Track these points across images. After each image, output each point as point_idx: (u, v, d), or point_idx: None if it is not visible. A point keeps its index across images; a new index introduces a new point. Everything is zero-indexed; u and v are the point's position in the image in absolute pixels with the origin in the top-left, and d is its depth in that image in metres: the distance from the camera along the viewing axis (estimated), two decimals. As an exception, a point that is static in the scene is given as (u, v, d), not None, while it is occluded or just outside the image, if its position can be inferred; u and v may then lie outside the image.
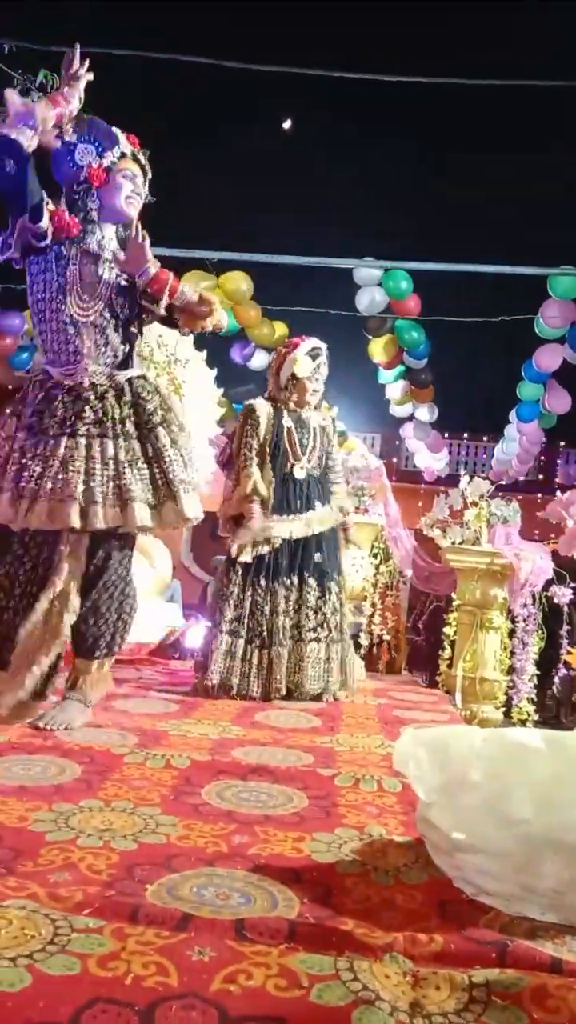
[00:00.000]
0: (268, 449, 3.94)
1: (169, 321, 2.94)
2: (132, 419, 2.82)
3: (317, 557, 3.95)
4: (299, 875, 1.67)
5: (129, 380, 2.89)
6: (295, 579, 3.90)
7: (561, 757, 1.64)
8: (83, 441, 2.74)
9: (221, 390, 6.50)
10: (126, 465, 2.75)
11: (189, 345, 6.33)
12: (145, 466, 2.79)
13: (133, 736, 2.72)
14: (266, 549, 3.86)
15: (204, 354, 6.43)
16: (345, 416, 7.99)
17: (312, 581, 3.91)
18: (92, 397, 2.80)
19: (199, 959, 1.27)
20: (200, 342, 6.47)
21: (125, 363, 2.93)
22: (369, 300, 8.36)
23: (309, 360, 4.03)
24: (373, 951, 1.35)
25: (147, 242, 2.85)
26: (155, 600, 6.01)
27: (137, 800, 2.06)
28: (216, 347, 7.01)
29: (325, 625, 3.90)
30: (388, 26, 13.03)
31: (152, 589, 6.00)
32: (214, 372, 6.47)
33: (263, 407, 4.02)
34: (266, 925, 1.39)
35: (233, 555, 3.85)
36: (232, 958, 1.28)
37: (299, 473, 3.98)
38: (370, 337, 8.98)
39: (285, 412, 4.03)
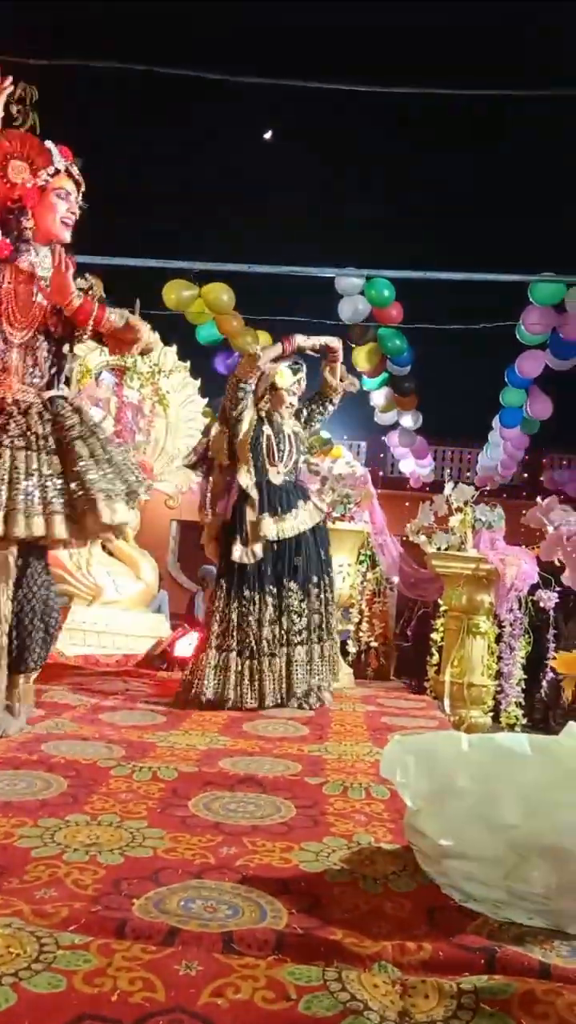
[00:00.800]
0: (247, 449, 4.02)
1: (100, 342, 3.02)
2: (53, 435, 2.86)
3: (296, 561, 3.99)
4: (287, 885, 1.66)
5: (51, 399, 2.94)
6: (277, 587, 3.93)
7: (548, 761, 1.65)
8: (7, 452, 2.76)
9: (205, 400, 6.50)
10: (49, 478, 2.78)
11: (173, 356, 6.33)
12: (61, 480, 2.80)
13: (120, 748, 2.70)
14: (259, 549, 3.88)
15: (188, 364, 6.44)
16: (330, 424, 7.99)
17: (293, 586, 3.95)
18: (16, 412, 2.85)
19: (186, 973, 1.26)
20: (183, 353, 6.48)
21: (51, 383, 2.99)
22: (352, 309, 8.38)
23: (290, 373, 4.14)
24: (362, 960, 1.34)
25: (71, 272, 2.88)
26: (141, 611, 5.99)
27: (124, 813, 2.04)
28: (199, 359, 7.03)
29: (308, 627, 3.94)
30: (365, 34, 13.12)
31: (138, 600, 5.99)
32: (198, 382, 6.47)
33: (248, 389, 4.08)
34: (254, 937, 1.38)
35: (235, 558, 3.86)
36: (219, 971, 1.27)
37: (276, 479, 4.06)
38: (353, 346, 9.01)
39: (264, 419, 4.11)
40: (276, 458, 4.08)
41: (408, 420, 10.14)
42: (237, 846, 1.87)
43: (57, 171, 2.92)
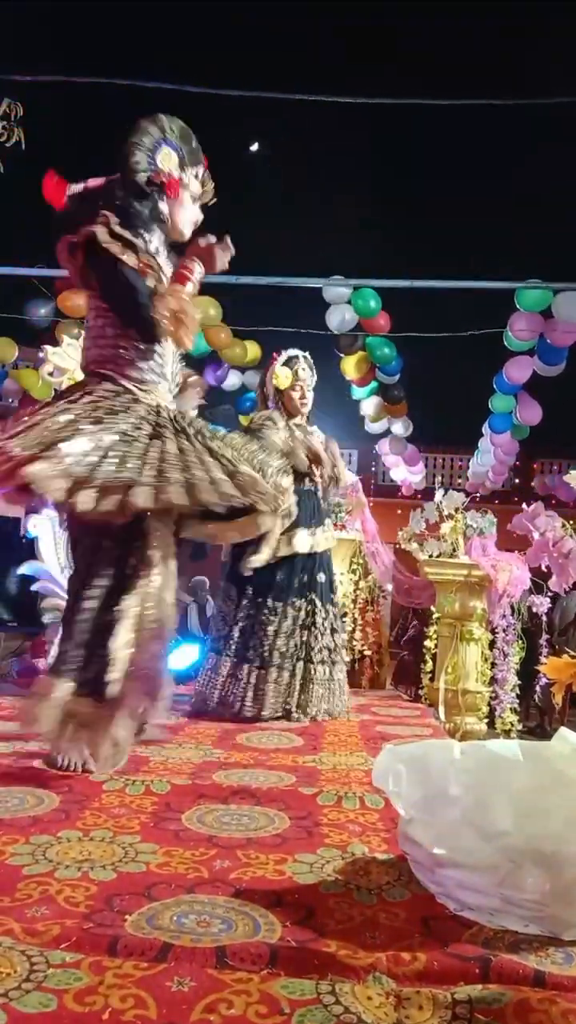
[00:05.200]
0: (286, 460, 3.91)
1: None
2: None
3: (321, 577, 3.95)
4: (281, 898, 1.65)
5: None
6: (301, 600, 3.87)
7: (539, 767, 1.65)
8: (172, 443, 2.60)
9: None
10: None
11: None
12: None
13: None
14: (284, 551, 3.80)
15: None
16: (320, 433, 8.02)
17: (318, 602, 3.91)
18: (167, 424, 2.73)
19: (179, 990, 1.25)
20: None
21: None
22: (340, 318, 8.42)
23: (287, 370, 4.03)
24: (356, 972, 1.34)
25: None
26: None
27: (116, 828, 2.03)
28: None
29: (331, 647, 3.91)
30: (351, 48, 13.22)
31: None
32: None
33: (278, 417, 4.00)
34: (247, 951, 1.37)
35: (254, 564, 3.71)
36: (212, 987, 1.26)
37: (310, 487, 4.01)
38: (342, 355, 9.04)
39: (294, 427, 4.02)
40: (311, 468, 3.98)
41: (399, 427, 10.17)
42: (231, 859, 1.86)
43: (197, 175, 2.86)
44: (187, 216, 2.87)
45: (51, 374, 4.56)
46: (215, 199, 2.93)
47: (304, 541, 3.90)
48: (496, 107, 8.59)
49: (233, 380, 9.27)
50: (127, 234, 2.61)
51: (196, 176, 2.86)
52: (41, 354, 4.69)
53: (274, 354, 4.18)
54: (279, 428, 3.96)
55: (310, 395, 4.11)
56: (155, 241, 2.77)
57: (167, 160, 2.76)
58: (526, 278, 7.96)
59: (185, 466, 2.50)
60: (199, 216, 2.91)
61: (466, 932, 1.51)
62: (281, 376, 4.02)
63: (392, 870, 1.81)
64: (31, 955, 1.33)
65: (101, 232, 2.58)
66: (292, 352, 4.11)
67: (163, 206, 2.80)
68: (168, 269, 2.79)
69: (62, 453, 2.37)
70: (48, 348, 4.63)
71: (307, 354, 4.14)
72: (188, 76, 7.41)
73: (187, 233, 2.88)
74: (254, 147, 12.43)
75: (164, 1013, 1.20)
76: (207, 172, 2.90)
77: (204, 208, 2.94)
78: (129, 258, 2.59)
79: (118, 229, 2.60)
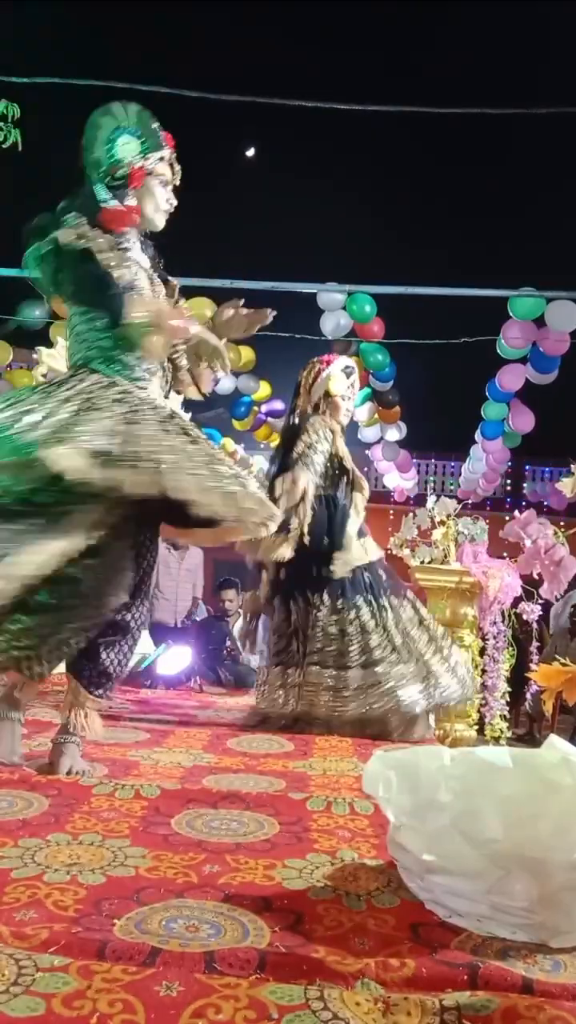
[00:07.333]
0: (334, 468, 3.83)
1: None
2: None
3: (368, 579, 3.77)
4: (270, 903, 1.65)
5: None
6: (363, 600, 3.71)
7: (528, 774, 1.65)
8: None
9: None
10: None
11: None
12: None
13: (102, 767, 2.68)
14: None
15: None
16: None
17: (364, 603, 3.72)
18: None
19: (167, 994, 1.25)
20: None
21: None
22: (334, 324, 8.43)
23: (343, 377, 3.95)
24: (344, 978, 1.34)
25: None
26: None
27: (106, 832, 2.03)
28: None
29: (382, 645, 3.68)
30: (346, 53, 13.28)
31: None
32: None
33: (328, 425, 3.87)
34: (236, 956, 1.37)
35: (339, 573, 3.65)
36: (201, 992, 1.26)
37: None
38: (336, 360, 9.04)
39: (336, 433, 3.91)
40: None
41: (393, 433, 10.19)
42: (220, 864, 1.86)
43: (162, 158, 2.73)
44: (157, 203, 2.74)
45: (45, 375, 4.56)
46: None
47: (361, 553, 3.79)
48: (490, 116, 8.63)
49: (226, 384, 9.27)
50: (90, 233, 2.54)
51: (162, 159, 2.74)
52: (35, 355, 4.69)
53: (325, 357, 4.08)
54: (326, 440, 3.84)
55: (353, 409, 4.07)
56: (132, 236, 2.69)
57: (125, 149, 2.65)
58: (519, 286, 7.99)
59: (211, 460, 2.43)
60: (172, 200, 2.78)
61: (455, 939, 1.52)
62: (338, 381, 3.91)
63: (381, 876, 1.81)
64: (19, 959, 1.32)
65: (63, 235, 2.53)
66: (349, 362, 4.06)
67: (129, 199, 2.66)
68: (145, 261, 2.73)
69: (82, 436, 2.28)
70: (42, 350, 4.63)
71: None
72: (185, 81, 7.42)
73: (159, 222, 2.78)
74: (250, 152, 12.47)
75: (152, 1018, 1.20)
76: (173, 152, 2.78)
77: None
78: (102, 257, 2.53)
79: (80, 231, 2.53)
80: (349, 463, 3.92)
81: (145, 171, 2.69)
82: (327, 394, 3.90)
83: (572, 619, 7.23)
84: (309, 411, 3.93)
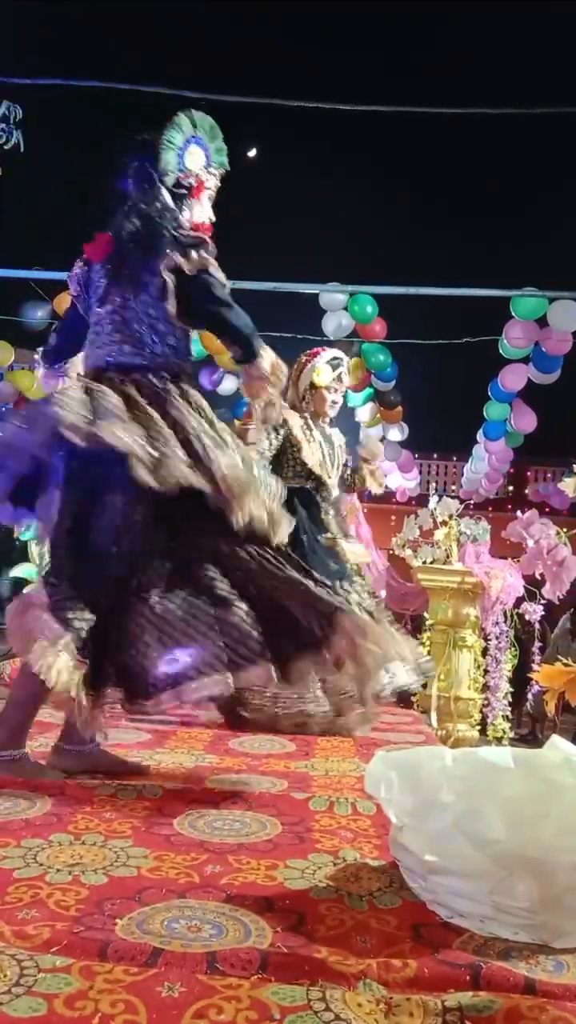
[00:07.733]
0: (296, 459, 3.80)
1: None
2: None
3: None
4: (272, 903, 1.65)
5: None
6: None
7: (531, 775, 1.65)
8: None
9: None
10: None
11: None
12: None
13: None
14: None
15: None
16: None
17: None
18: None
19: (168, 995, 1.25)
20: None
21: None
22: (335, 324, 8.42)
23: (329, 369, 3.95)
24: (346, 979, 1.34)
25: None
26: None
27: (108, 832, 2.02)
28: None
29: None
30: (346, 53, 13.28)
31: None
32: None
33: (293, 416, 3.88)
34: (238, 957, 1.37)
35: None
36: (202, 993, 1.26)
37: (333, 491, 3.90)
38: (338, 360, 9.03)
39: (314, 426, 3.91)
40: (331, 469, 3.87)
41: (395, 433, 10.18)
42: (222, 864, 1.85)
43: (213, 174, 2.73)
44: (203, 217, 2.73)
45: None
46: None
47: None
48: (490, 116, 8.63)
49: (229, 384, 9.27)
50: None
51: (215, 175, 2.75)
52: (37, 356, 4.68)
53: (314, 349, 4.10)
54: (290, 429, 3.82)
55: (340, 400, 4.05)
56: None
57: (193, 159, 2.65)
58: (522, 286, 7.99)
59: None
60: (212, 217, 2.78)
61: (457, 939, 1.51)
62: (324, 372, 3.93)
63: (383, 876, 1.80)
64: (21, 959, 1.32)
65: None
66: (337, 353, 4.05)
67: (186, 211, 2.67)
68: None
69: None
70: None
71: (347, 359, 4.08)
72: (185, 81, 7.43)
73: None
74: (252, 152, 12.46)
75: (154, 1018, 1.20)
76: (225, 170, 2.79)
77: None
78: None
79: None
80: (308, 456, 3.81)
81: (205, 185, 2.71)
82: (312, 385, 3.93)
83: (573, 620, 7.23)
84: (299, 404, 3.94)
